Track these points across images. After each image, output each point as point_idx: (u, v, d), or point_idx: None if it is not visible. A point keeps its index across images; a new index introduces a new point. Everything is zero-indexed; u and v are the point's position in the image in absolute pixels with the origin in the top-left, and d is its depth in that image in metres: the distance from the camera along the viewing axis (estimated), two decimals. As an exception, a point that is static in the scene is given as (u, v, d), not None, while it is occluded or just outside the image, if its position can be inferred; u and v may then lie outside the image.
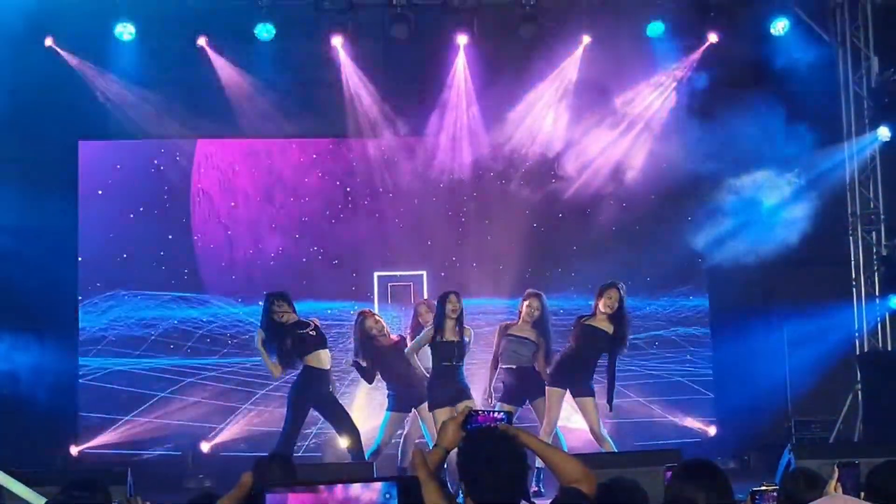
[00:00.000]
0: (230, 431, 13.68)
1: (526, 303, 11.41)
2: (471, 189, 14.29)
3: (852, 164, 14.00)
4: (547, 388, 11.11)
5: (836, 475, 5.54)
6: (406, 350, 11.20)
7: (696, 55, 14.06)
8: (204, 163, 14.26)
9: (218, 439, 13.63)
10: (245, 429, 13.67)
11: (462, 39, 13.80)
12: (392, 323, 12.68)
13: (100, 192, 13.94)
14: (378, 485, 2.80)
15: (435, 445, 4.09)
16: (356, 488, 2.75)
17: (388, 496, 2.78)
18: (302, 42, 13.61)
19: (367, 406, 12.79)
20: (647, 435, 13.45)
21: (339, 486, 2.75)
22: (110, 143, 14.09)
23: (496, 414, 4.19)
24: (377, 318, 11.47)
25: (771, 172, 13.74)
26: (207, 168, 14.27)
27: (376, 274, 14.12)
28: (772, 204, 13.83)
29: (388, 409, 11.38)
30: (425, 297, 13.29)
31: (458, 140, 14.11)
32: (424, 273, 14.16)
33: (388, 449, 11.39)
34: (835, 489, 5.46)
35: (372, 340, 11.30)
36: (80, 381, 13.66)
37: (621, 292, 11.15)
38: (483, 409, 5.87)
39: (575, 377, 11.10)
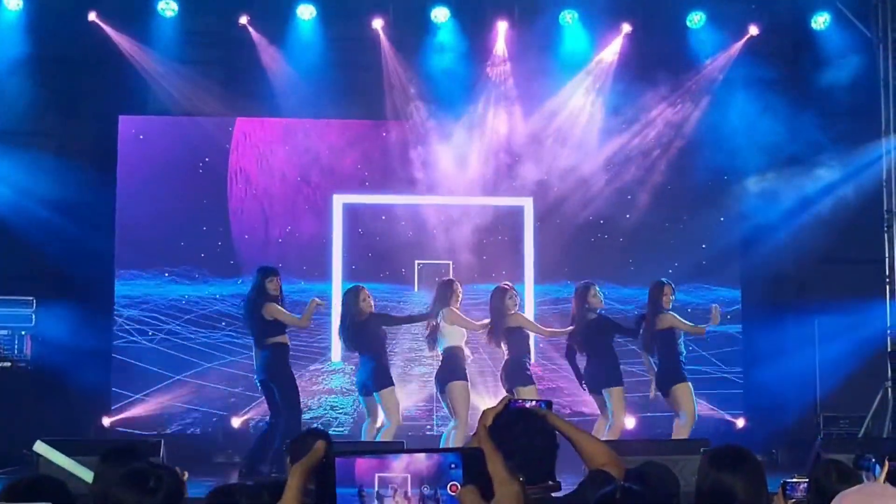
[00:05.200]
0: (260, 409, 13.73)
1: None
2: (506, 175, 14.26)
3: (889, 160, 13.93)
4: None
5: (886, 468, 5.50)
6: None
7: (736, 47, 14.06)
8: (242, 141, 14.33)
9: (248, 415, 13.71)
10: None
11: (502, 25, 13.87)
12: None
13: (138, 167, 14.03)
14: (443, 455, 2.85)
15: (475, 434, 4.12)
16: (421, 457, 2.81)
17: (453, 466, 2.83)
18: (343, 23, 13.67)
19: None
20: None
21: (405, 455, 2.81)
22: (150, 118, 14.17)
23: (533, 403, 4.21)
24: (367, 293, 11.40)
25: (806, 167, 13.74)
26: (245, 146, 14.33)
27: (417, 262, 14.17)
28: (806, 199, 13.83)
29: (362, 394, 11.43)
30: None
31: (497, 124, 14.11)
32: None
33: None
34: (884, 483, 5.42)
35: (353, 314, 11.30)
36: (114, 354, 13.76)
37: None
38: (522, 399, 5.96)
39: None
